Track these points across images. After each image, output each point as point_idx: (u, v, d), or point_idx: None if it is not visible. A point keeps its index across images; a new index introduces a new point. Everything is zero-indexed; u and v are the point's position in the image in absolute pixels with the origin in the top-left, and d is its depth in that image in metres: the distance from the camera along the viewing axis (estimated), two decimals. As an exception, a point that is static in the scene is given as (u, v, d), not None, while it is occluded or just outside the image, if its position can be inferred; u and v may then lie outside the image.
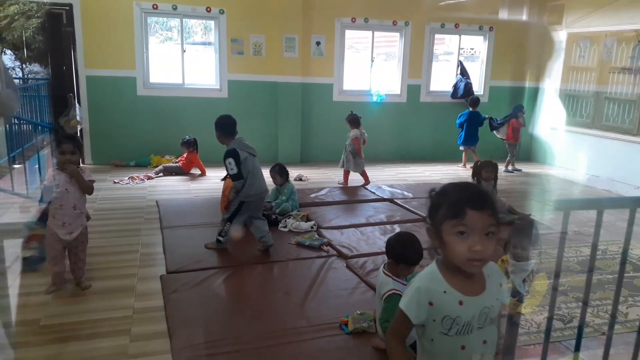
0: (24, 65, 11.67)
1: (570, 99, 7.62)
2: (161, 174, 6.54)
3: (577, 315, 3.13)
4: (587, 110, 7.29)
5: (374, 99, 8.11)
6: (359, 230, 4.62)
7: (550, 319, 2.00)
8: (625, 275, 1.95)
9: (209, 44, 7.84)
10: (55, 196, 3.04)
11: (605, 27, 6.84)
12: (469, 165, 7.13)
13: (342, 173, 6.43)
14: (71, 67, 6.94)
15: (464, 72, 8.35)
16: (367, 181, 6.41)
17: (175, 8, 6.97)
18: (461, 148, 7.76)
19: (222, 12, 7.14)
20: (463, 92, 8.27)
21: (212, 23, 7.41)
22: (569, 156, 7.72)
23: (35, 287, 3.24)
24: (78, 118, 6.46)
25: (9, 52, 11.82)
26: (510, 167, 7.71)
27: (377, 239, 4.41)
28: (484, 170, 4.98)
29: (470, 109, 7.57)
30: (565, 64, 7.66)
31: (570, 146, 7.73)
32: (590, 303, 3.24)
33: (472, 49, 9.07)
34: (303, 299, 3.26)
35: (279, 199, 5.01)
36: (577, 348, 2.04)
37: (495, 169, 5.00)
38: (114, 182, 6.04)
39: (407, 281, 2.54)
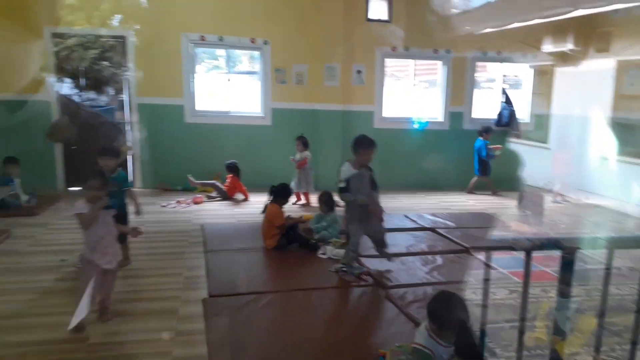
0: (81, 93, 12.37)
1: (621, 127, 7.35)
2: (208, 188, 6.83)
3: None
4: (640, 140, 7.02)
5: (415, 126, 8.11)
6: (400, 259, 4.57)
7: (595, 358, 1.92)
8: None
9: (254, 73, 8.10)
10: (94, 230, 3.05)
11: (657, 54, 6.63)
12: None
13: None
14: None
15: (508, 100, 8.25)
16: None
17: (221, 39, 7.26)
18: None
19: (266, 42, 7.38)
20: (508, 119, 8.15)
21: (256, 53, 7.66)
22: (620, 187, 7.41)
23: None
24: (129, 144, 6.76)
25: (68, 80, 12.57)
26: (558, 198, 7.47)
27: (418, 270, 4.35)
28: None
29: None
30: (616, 92, 7.43)
31: (622, 176, 7.42)
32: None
33: (515, 76, 8.95)
34: (341, 328, 3.25)
35: (320, 224, 5.05)
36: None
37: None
38: (161, 206, 6.25)
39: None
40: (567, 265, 1.74)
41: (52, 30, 6.92)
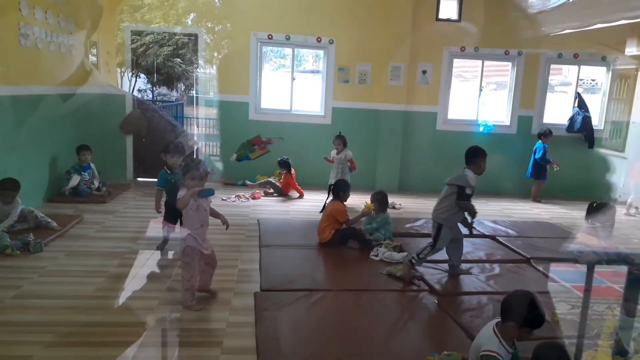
0: (154, 88, 13.06)
1: None
2: (265, 188, 6.96)
3: None
4: None
5: (481, 129, 7.84)
6: (454, 266, 4.45)
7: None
8: None
9: (318, 72, 8.16)
10: (196, 218, 3.32)
11: None
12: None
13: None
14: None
15: (582, 105, 7.78)
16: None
17: (288, 38, 7.38)
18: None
19: (331, 42, 7.42)
20: (581, 126, 7.70)
21: (321, 52, 7.72)
22: None
23: (149, 292, 3.58)
24: (195, 138, 7.05)
25: (142, 75, 13.31)
26: (632, 210, 6.97)
27: (474, 278, 4.22)
28: (599, 213, 4.60)
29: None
30: None
31: None
32: None
33: (593, 80, 8.42)
34: (389, 332, 3.22)
35: (370, 225, 5.01)
36: None
37: (612, 212, 4.60)
38: (222, 200, 6.46)
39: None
40: (635, 282, 1.61)
41: (131, 28, 7.30)
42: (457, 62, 7.89)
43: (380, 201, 5.04)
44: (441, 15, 7.40)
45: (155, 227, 4.71)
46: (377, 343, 3.07)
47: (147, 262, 4.17)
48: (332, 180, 5.99)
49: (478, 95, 7.91)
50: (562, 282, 4.21)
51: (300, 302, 3.55)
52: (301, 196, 6.97)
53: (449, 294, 3.85)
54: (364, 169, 7.46)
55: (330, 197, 5.12)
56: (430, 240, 4.19)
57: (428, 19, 7.36)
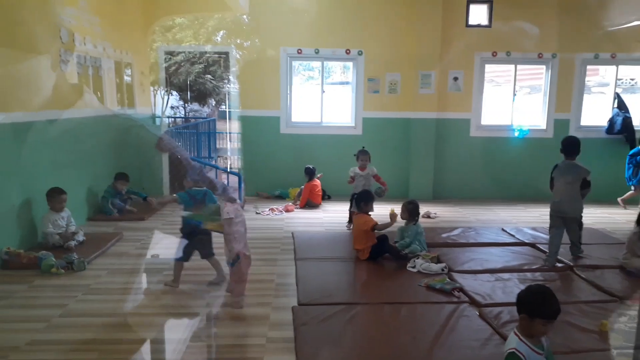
0: (186, 105, 13.38)
1: None
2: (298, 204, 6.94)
3: None
4: None
5: (516, 134, 7.68)
6: (495, 276, 4.34)
7: None
8: None
9: (347, 83, 8.18)
10: (241, 225, 3.67)
11: None
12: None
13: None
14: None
15: (621, 106, 7.52)
16: None
17: (317, 52, 7.43)
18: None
19: (360, 53, 7.44)
20: (621, 127, 7.44)
21: (350, 64, 7.74)
22: None
23: (185, 308, 3.63)
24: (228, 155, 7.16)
25: (175, 93, 13.66)
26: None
27: (515, 288, 4.09)
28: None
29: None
30: None
31: None
32: None
33: (632, 79, 8.14)
34: (431, 345, 3.15)
35: (404, 241, 4.90)
36: None
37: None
38: (256, 213, 6.52)
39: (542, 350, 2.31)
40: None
41: (165, 49, 7.50)
42: (489, 67, 7.77)
43: (411, 211, 4.95)
44: (471, 22, 7.31)
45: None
46: (419, 357, 3.01)
47: (186, 277, 4.23)
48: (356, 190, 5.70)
49: (512, 100, 7.75)
50: (609, 290, 4.04)
51: (339, 316, 3.53)
52: (317, 205, 6.95)
53: (490, 305, 3.75)
54: (397, 178, 7.41)
55: (354, 209, 4.99)
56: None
57: (458, 26, 7.29)
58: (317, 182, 7.05)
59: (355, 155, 5.90)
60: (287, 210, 6.71)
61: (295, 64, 8.17)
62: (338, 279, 4.30)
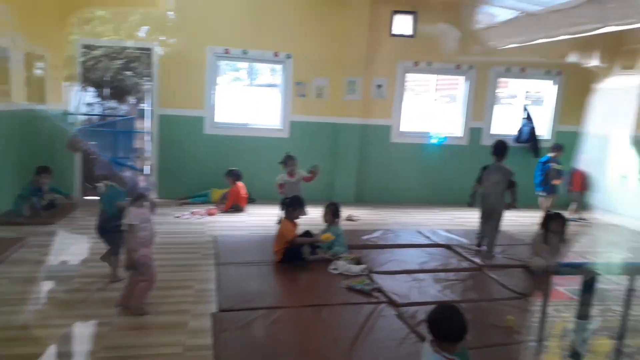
0: (103, 102, 12.68)
1: (644, 146, 7.17)
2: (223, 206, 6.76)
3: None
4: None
5: (434, 140, 8.04)
6: (412, 276, 4.51)
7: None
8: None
9: (275, 85, 8.16)
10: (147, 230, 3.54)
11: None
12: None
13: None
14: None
15: (529, 116, 8.13)
16: None
17: (245, 53, 7.34)
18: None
19: (289, 56, 7.44)
20: (528, 136, 8.04)
21: (278, 66, 7.72)
22: (641, 206, 7.20)
23: (95, 318, 3.42)
24: (147, 154, 6.86)
25: (91, 89, 12.90)
26: (575, 216, 7.31)
27: (431, 287, 4.29)
28: (553, 222, 4.82)
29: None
30: (640, 109, 7.26)
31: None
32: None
33: (537, 92, 8.82)
34: (351, 346, 3.21)
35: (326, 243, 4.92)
36: None
37: (564, 222, 4.83)
38: (175, 217, 6.30)
39: (456, 356, 2.41)
40: (589, 287, 1.68)
41: (82, 42, 7.09)
42: (410, 76, 8.07)
43: (334, 212, 5.06)
44: (395, 31, 7.55)
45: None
46: (339, 358, 3.05)
47: (97, 285, 4.00)
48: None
49: (431, 108, 8.11)
50: (514, 289, 4.34)
51: (260, 321, 3.50)
52: (242, 209, 6.84)
53: (406, 305, 3.89)
54: (323, 181, 7.48)
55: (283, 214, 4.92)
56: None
57: (383, 35, 7.51)
58: (242, 185, 6.95)
59: (281, 162, 5.72)
60: (210, 214, 6.56)
61: (222, 64, 8.02)
62: (260, 283, 4.26)
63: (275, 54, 7.44)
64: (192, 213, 6.47)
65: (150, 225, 3.57)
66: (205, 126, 7.39)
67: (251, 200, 7.17)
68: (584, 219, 7.35)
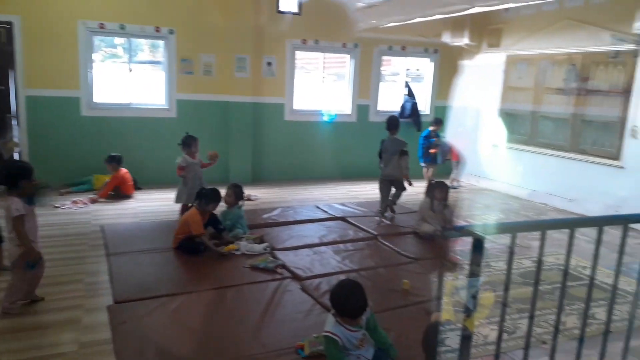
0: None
1: (509, 117, 8.00)
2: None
3: (520, 327, 3.26)
4: (525, 129, 7.68)
5: (325, 118, 8.22)
6: (313, 250, 4.62)
7: (501, 332, 2.07)
8: (560, 285, 2.08)
9: (157, 63, 7.71)
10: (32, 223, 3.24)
11: (541, 50, 7.27)
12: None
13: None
14: (9, 87, 6.56)
15: (410, 93, 8.62)
16: None
17: (123, 28, 6.80)
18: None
19: (171, 32, 7.05)
20: (410, 112, 8.54)
21: (161, 42, 7.28)
22: (510, 172, 8.08)
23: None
24: (16, 140, 6.13)
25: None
26: (454, 183, 8.00)
27: (331, 259, 4.43)
28: (437, 190, 5.21)
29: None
30: (505, 84, 8.06)
31: (510, 162, 8.10)
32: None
33: (417, 69, 9.38)
34: (258, 324, 3.22)
35: (226, 223, 4.81)
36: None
37: (447, 190, 5.25)
38: (54, 207, 5.75)
39: (358, 328, 2.52)
40: (477, 248, 1.85)
41: None
42: (300, 54, 8.11)
43: (237, 195, 4.94)
44: (282, 8, 7.51)
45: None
46: (248, 337, 3.05)
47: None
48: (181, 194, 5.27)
49: (321, 86, 8.25)
50: (407, 254, 4.64)
51: (162, 309, 3.36)
52: (129, 196, 6.43)
53: (310, 278, 3.98)
54: (217, 162, 7.30)
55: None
56: None
57: (270, 11, 7.41)
58: (126, 171, 6.49)
59: (180, 143, 5.30)
60: (93, 202, 6.08)
61: (97, 40, 7.37)
62: (158, 270, 4.07)
63: (157, 29, 7.00)
64: (74, 202, 5.95)
65: (35, 217, 3.30)
66: (83, 107, 6.78)
67: (138, 187, 6.74)
68: (460, 186, 8.05)
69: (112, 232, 4.92)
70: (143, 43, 8.42)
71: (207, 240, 4.45)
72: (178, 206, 5.33)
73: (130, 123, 7.05)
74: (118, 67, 8.11)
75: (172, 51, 7.12)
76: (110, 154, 6.47)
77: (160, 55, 7.37)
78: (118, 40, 7.89)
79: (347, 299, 2.46)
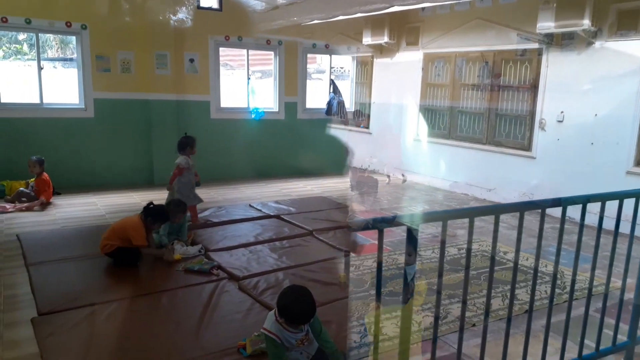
0: None
1: (429, 112, 8.39)
2: (19, 203, 5.80)
3: (450, 311, 3.45)
4: (444, 123, 8.09)
5: (253, 116, 8.15)
6: (249, 249, 4.59)
7: (437, 318, 2.18)
8: (487, 269, 2.24)
9: (70, 60, 7.24)
10: None
11: (456, 48, 7.69)
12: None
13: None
14: None
15: (336, 90, 8.78)
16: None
17: (29, 22, 6.31)
18: None
19: (84, 27, 6.65)
20: (336, 109, 8.70)
21: (73, 38, 6.85)
22: (431, 164, 8.48)
23: None
24: None
25: None
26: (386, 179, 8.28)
27: (268, 257, 4.42)
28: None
29: None
30: (424, 81, 8.43)
31: (432, 155, 8.49)
32: (459, 297, 3.57)
33: (341, 67, 9.57)
34: (196, 327, 3.15)
35: (173, 235, 4.61)
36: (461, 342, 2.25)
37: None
38: (-39, 218, 5.25)
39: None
40: (410, 238, 1.94)
41: None
42: (223, 51, 7.98)
43: (183, 210, 4.66)
44: (202, 4, 7.35)
45: None
46: (187, 342, 2.97)
47: None
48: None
49: (247, 84, 8.17)
50: (339, 247, 4.74)
51: (92, 319, 3.18)
52: (46, 203, 5.95)
53: (247, 277, 3.95)
54: (139, 163, 7.02)
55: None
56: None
57: (191, 7, 7.22)
58: (47, 175, 6.05)
59: (180, 143, 5.17)
60: (5, 212, 5.61)
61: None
62: (85, 279, 3.85)
63: (68, 24, 6.58)
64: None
65: None
66: (-13, 108, 6.23)
67: (56, 192, 6.30)
68: (388, 177, 8.34)
69: (30, 241, 4.58)
70: (52, 39, 7.89)
71: (153, 250, 4.26)
72: (101, 212, 5.07)
73: (43, 124, 6.58)
74: (24, 65, 7.53)
75: (86, 48, 6.73)
76: (35, 157, 5.98)
77: (72, 52, 6.93)
78: (23, 36, 7.34)
79: (294, 306, 2.39)
